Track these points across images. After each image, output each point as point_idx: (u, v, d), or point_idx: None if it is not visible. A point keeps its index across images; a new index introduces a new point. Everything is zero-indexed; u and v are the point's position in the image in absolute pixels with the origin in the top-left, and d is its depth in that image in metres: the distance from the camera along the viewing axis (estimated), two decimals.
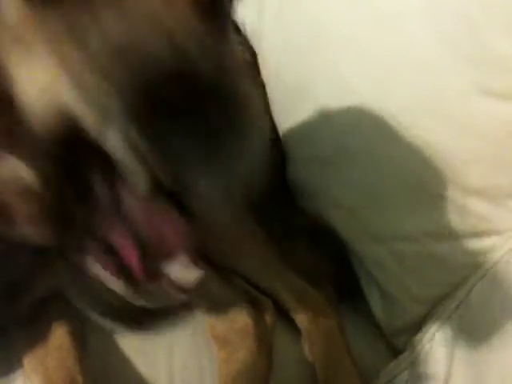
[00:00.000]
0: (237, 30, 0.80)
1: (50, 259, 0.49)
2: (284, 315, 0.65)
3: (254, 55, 0.77)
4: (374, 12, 0.62)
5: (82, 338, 0.60)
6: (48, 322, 0.58)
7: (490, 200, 0.57)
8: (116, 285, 0.35)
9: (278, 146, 0.76)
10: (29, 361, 0.57)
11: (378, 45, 0.62)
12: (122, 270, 0.34)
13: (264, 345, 0.61)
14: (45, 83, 0.30)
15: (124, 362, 0.61)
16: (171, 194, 0.32)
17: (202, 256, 0.59)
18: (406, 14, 0.59)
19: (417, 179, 0.59)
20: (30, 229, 0.39)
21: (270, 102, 0.76)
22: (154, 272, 0.34)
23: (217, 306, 0.62)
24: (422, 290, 0.62)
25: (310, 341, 0.64)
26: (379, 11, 0.61)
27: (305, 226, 0.72)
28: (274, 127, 0.76)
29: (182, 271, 0.35)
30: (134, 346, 0.61)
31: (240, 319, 0.61)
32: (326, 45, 0.66)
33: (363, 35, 0.63)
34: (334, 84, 0.64)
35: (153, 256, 0.33)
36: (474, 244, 0.58)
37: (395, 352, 0.65)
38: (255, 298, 0.64)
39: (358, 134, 0.64)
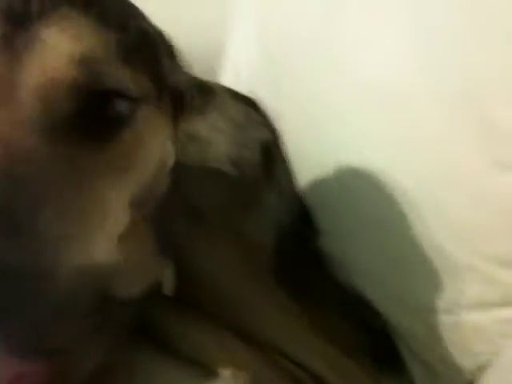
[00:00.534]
0: (257, 109, 0.85)
1: None
2: None
3: (274, 133, 0.80)
4: (383, 91, 0.64)
5: None
6: None
7: None
8: None
9: (306, 217, 0.78)
10: None
11: (389, 120, 0.64)
12: None
13: None
14: None
15: None
16: None
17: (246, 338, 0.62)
18: (410, 91, 0.61)
19: (440, 250, 0.60)
20: None
21: (294, 175, 0.79)
22: None
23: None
24: (461, 360, 0.61)
25: None
26: (387, 89, 0.64)
27: (338, 296, 0.73)
28: (299, 198, 0.79)
29: None
30: None
31: None
32: (340, 121, 0.69)
33: (374, 111, 0.66)
34: (352, 157, 0.67)
35: None
36: (506, 312, 0.57)
37: None
38: (299, 378, 0.65)
39: (376, 206, 0.66)
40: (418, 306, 0.63)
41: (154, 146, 0.43)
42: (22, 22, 0.36)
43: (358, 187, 0.68)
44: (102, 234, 0.38)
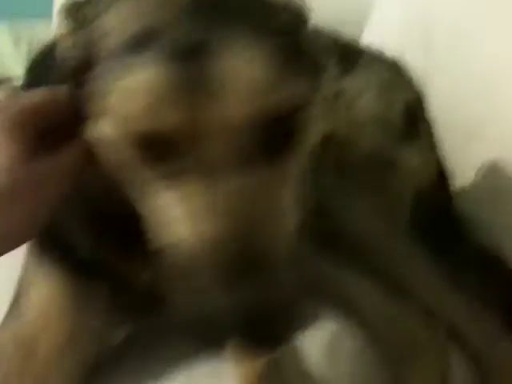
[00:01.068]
0: (402, 71, 0.86)
1: None
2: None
3: (418, 98, 0.82)
4: None
5: None
6: None
7: None
8: None
9: (444, 180, 0.80)
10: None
11: None
12: None
13: (439, 365, 0.66)
14: None
15: None
16: None
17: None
18: None
19: None
20: None
21: (438, 137, 0.81)
22: None
23: (394, 327, 0.68)
24: None
25: (484, 363, 0.67)
26: None
27: (473, 256, 0.75)
28: (441, 162, 0.81)
29: None
30: None
31: (417, 333, 0.67)
32: (497, 88, 0.69)
33: None
34: (503, 129, 0.67)
35: None
36: None
37: None
38: (430, 321, 0.69)
39: None
40: None
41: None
42: (197, 63, 0.37)
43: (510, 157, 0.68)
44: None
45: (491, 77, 0.69)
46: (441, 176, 0.80)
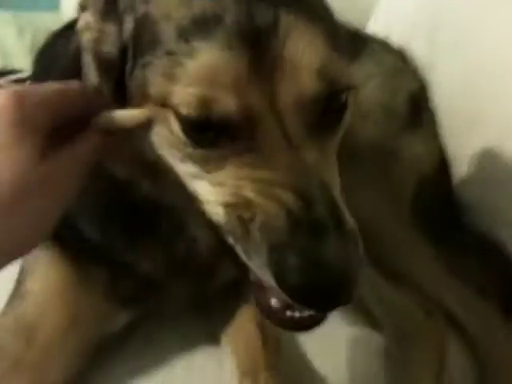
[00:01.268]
0: (407, 60, 0.87)
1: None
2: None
3: (422, 87, 0.82)
4: None
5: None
6: (239, 300, 0.67)
7: None
8: None
9: (446, 168, 0.80)
10: (224, 335, 0.67)
11: None
12: None
13: (438, 351, 0.66)
14: None
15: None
16: None
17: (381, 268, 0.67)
18: None
19: None
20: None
21: (440, 125, 0.81)
22: None
23: (393, 312, 0.69)
24: None
25: (481, 350, 0.68)
26: None
27: (473, 243, 0.75)
28: (443, 149, 0.81)
29: None
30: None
31: (416, 319, 0.68)
32: (497, 77, 0.69)
33: None
34: (503, 116, 0.67)
35: None
36: None
37: None
38: (428, 308, 0.69)
39: None
40: None
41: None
42: (264, 43, 0.40)
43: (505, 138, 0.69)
44: None
45: (492, 66, 0.69)
46: (443, 163, 0.80)
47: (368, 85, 0.78)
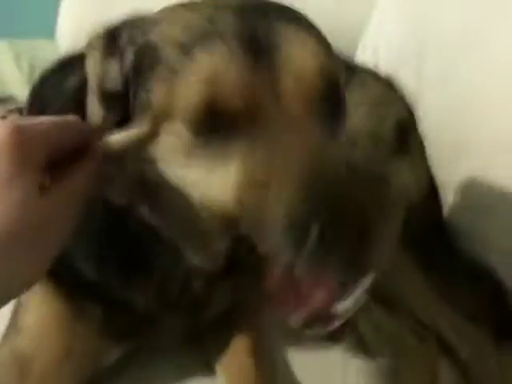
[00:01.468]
0: (394, 87, 0.89)
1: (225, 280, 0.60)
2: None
3: (411, 113, 0.84)
4: None
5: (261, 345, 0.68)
6: (233, 329, 0.67)
7: None
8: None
9: (435, 194, 0.82)
10: (218, 364, 0.67)
11: None
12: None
13: (429, 376, 0.67)
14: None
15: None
16: None
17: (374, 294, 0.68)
18: None
19: None
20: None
21: (428, 154, 0.82)
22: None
23: (385, 338, 0.70)
24: None
25: (473, 376, 0.68)
26: None
27: (463, 268, 0.76)
28: (431, 176, 0.82)
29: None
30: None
31: (408, 344, 0.69)
32: (489, 105, 0.71)
33: None
34: (490, 143, 0.68)
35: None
36: None
37: None
38: (420, 333, 0.70)
39: None
40: None
41: None
42: (264, 47, 0.43)
43: (499, 169, 0.70)
44: None
45: (479, 94, 0.71)
46: (431, 190, 0.81)
47: (356, 113, 0.80)
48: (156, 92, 0.44)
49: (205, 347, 0.69)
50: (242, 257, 0.46)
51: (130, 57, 0.47)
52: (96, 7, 1.26)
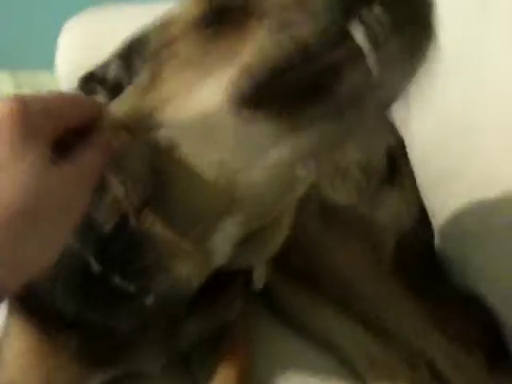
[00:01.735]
0: (384, 116, 0.90)
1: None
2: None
3: (399, 139, 0.85)
4: None
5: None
6: (219, 354, 0.68)
7: None
8: None
9: (426, 222, 0.83)
10: None
11: None
12: None
13: None
14: None
15: None
16: None
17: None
18: None
19: None
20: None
21: (417, 180, 0.84)
22: None
23: (377, 367, 0.70)
24: None
25: None
26: None
27: (455, 296, 0.77)
28: (422, 203, 0.83)
29: None
30: None
31: (400, 373, 0.69)
32: (477, 133, 0.72)
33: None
34: (482, 168, 0.69)
35: None
36: None
37: None
38: (412, 361, 0.71)
39: (508, 214, 0.68)
40: None
41: None
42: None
43: (486, 197, 0.71)
44: None
45: (470, 118, 0.72)
46: (422, 217, 0.82)
47: (346, 145, 0.81)
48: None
49: (190, 373, 0.70)
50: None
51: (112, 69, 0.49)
52: (95, 39, 1.28)
